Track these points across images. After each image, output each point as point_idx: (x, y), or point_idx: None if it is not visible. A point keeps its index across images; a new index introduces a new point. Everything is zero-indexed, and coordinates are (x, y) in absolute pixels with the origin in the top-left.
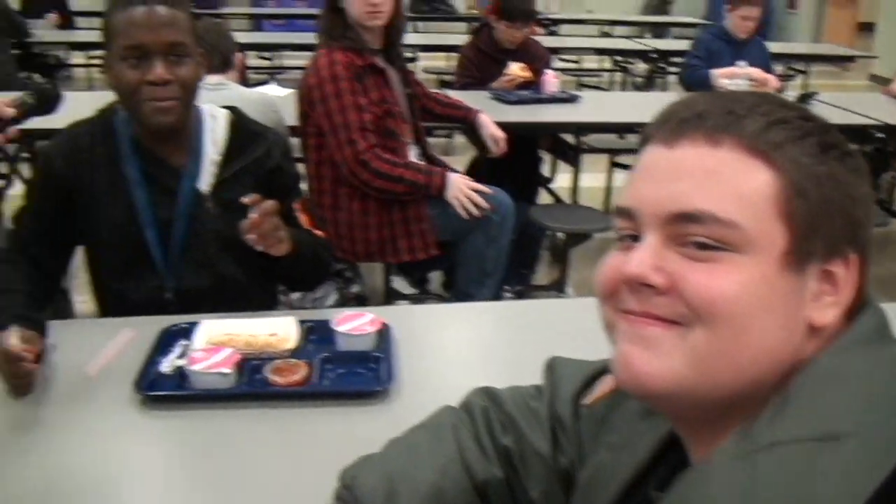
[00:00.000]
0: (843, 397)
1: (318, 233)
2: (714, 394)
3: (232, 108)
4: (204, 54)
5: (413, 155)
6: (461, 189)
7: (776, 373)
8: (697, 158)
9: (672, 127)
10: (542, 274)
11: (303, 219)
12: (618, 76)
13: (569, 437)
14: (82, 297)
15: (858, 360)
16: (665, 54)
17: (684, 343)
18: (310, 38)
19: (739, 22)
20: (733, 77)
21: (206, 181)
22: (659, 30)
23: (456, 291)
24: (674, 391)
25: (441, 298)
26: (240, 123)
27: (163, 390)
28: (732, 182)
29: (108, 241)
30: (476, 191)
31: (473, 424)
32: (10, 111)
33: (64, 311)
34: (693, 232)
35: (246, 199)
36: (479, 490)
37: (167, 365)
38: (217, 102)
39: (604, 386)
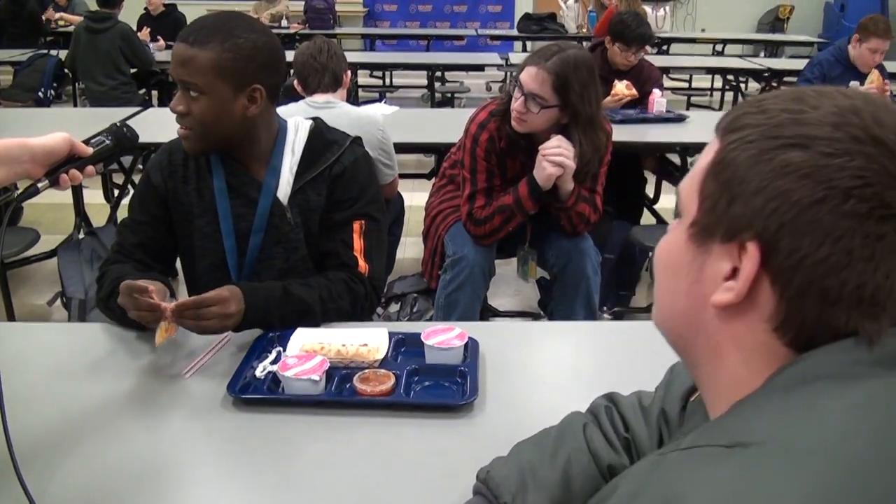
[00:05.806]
0: (769, 415)
1: (362, 264)
2: (668, 337)
3: (315, 119)
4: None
5: None
6: (544, 161)
7: (691, 340)
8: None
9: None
10: (642, 296)
11: (357, 243)
12: (729, 96)
13: (672, 432)
14: None
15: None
16: (778, 73)
17: None
18: (420, 57)
19: (867, 54)
20: None
21: (284, 192)
22: (773, 48)
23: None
24: (656, 325)
25: (537, 317)
26: (318, 132)
27: (254, 393)
28: (701, 159)
29: (198, 249)
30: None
31: (599, 421)
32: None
33: None
34: None
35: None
36: (605, 475)
37: (260, 369)
38: (324, 120)
39: None
